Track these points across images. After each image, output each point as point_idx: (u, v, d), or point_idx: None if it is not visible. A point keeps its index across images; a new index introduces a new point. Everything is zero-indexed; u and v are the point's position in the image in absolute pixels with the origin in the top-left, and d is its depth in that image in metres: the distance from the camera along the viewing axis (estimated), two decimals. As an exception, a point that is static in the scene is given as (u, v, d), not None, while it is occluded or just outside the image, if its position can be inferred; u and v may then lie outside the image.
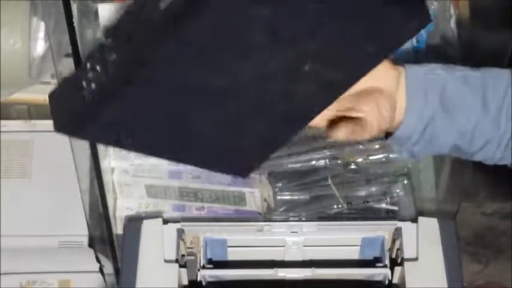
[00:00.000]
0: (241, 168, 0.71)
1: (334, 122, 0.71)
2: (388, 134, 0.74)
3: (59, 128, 0.61)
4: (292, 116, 0.65)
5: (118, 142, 0.61)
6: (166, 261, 1.14)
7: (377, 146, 1.19)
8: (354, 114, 0.70)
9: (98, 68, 0.58)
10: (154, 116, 0.60)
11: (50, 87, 1.37)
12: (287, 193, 1.24)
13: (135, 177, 1.29)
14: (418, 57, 1.07)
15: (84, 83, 0.58)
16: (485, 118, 0.72)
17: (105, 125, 0.59)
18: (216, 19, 0.51)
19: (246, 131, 0.65)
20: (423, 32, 1.05)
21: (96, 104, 0.57)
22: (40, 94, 1.40)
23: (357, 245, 1.19)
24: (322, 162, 1.21)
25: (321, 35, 0.56)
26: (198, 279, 1.15)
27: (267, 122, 0.64)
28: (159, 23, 0.53)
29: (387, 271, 1.15)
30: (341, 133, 0.70)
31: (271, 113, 0.63)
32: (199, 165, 0.69)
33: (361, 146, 1.19)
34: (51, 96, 0.62)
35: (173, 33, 0.52)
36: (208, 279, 1.16)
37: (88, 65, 0.59)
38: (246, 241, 1.19)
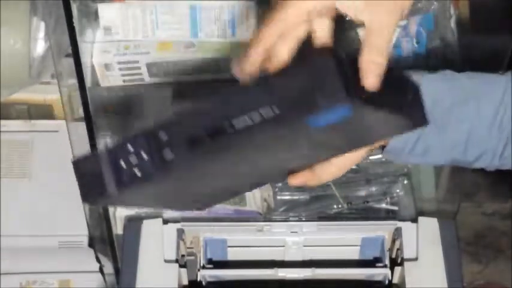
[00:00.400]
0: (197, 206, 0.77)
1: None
2: (383, 147, 0.74)
3: (88, 200, 0.64)
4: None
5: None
6: (166, 261, 1.14)
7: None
8: None
9: (144, 156, 0.60)
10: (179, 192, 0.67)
11: (50, 87, 1.38)
12: (287, 193, 1.24)
13: (135, 177, 1.29)
14: (417, 57, 1.07)
15: (123, 164, 0.61)
16: (478, 128, 0.72)
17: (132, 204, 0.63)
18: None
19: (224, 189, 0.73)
20: (423, 32, 1.05)
21: (135, 189, 0.61)
22: (40, 94, 1.40)
23: (356, 245, 1.20)
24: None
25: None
26: (198, 279, 1.15)
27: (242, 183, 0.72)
28: (228, 141, 0.59)
29: (387, 271, 1.15)
30: (296, 181, 0.70)
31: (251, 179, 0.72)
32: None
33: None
34: (78, 163, 0.63)
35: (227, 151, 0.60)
36: (208, 279, 1.17)
37: (131, 149, 0.61)
38: (246, 241, 1.19)
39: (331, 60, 0.58)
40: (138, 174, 0.60)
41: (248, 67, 0.62)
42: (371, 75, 0.60)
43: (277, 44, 0.62)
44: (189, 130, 0.60)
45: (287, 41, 0.62)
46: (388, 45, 0.61)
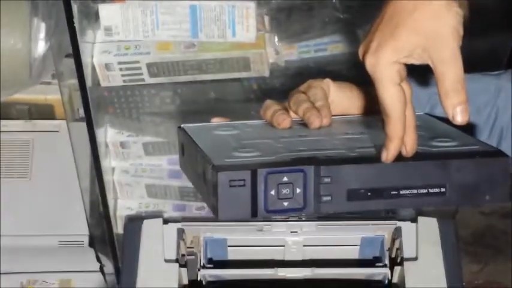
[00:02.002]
0: None
1: None
2: None
3: (224, 214, 0.63)
4: None
5: None
6: (166, 260, 1.14)
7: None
8: None
9: (297, 190, 0.63)
10: None
11: (51, 88, 1.39)
12: (287, 193, 1.23)
13: (135, 177, 1.29)
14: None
15: (273, 192, 0.62)
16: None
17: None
18: None
19: None
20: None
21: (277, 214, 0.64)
22: (41, 94, 1.40)
23: (356, 245, 1.20)
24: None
25: None
26: (198, 279, 1.15)
27: None
28: None
29: (387, 271, 1.15)
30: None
31: None
32: None
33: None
34: (224, 176, 0.62)
35: None
36: (209, 279, 1.17)
37: (286, 179, 0.63)
38: (246, 241, 1.19)
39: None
40: (286, 205, 0.63)
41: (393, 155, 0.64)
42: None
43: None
44: (351, 183, 0.63)
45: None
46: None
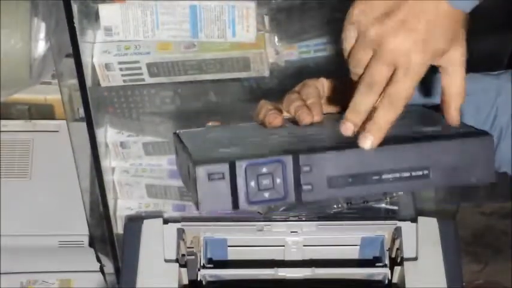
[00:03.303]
0: None
1: None
2: None
3: (203, 206, 0.63)
4: None
5: None
6: (166, 261, 1.14)
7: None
8: None
9: (277, 180, 0.63)
10: None
11: (51, 88, 1.38)
12: (287, 193, 1.23)
13: (135, 177, 1.29)
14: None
15: (252, 184, 0.62)
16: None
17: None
18: None
19: None
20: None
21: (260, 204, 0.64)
22: (41, 94, 1.40)
23: (356, 245, 1.20)
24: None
25: None
26: (198, 279, 1.15)
27: None
28: None
29: (387, 271, 1.15)
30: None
31: None
32: None
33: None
34: (202, 169, 0.62)
35: None
36: (209, 279, 1.17)
37: (265, 170, 0.62)
38: (246, 241, 1.19)
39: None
40: (267, 195, 0.63)
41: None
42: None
43: None
44: (331, 170, 0.63)
45: None
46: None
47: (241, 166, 0.62)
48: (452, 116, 0.65)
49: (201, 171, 0.61)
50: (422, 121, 0.70)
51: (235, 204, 0.62)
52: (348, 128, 0.63)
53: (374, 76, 0.61)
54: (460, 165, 0.64)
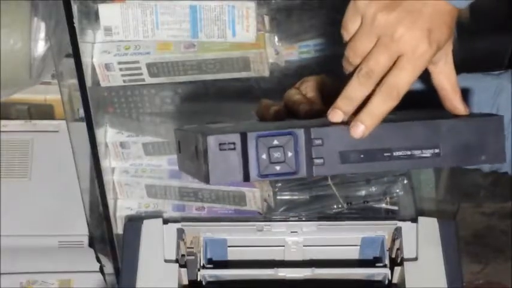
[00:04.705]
0: None
1: None
2: None
3: (213, 179, 0.63)
4: None
5: None
6: (166, 261, 1.14)
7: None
8: None
9: (289, 154, 0.63)
10: None
11: (51, 87, 1.38)
12: (287, 193, 1.24)
13: (135, 177, 1.29)
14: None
15: (264, 156, 0.62)
16: None
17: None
18: None
19: None
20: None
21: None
22: (40, 94, 1.40)
23: (356, 245, 1.20)
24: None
25: None
26: (198, 279, 1.15)
27: None
28: None
29: (387, 271, 1.15)
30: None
31: None
32: None
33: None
34: (212, 141, 0.62)
35: None
36: (208, 279, 1.17)
37: (276, 142, 0.62)
38: (246, 241, 1.19)
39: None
40: (278, 169, 0.63)
41: None
42: None
43: None
44: (343, 145, 0.63)
45: None
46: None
47: (252, 137, 0.62)
48: (460, 107, 0.66)
49: (212, 141, 0.61)
50: (430, 109, 0.71)
51: (246, 176, 0.62)
52: (336, 115, 0.63)
53: (374, 65, 0.61)
54: (471, 144, 0.64)
